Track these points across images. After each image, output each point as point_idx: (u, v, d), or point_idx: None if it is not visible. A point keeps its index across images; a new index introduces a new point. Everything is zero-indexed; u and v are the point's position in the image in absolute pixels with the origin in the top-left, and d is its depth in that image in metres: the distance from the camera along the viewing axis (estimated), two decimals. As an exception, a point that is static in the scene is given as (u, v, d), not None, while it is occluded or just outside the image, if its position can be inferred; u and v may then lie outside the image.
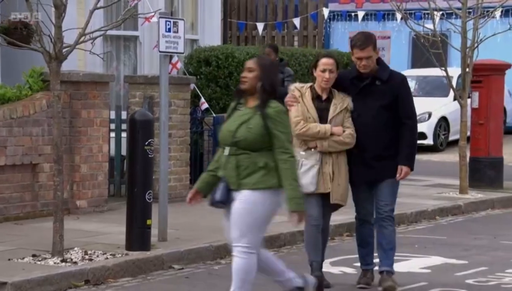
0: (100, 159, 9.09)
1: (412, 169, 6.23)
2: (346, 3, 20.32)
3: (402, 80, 6.25)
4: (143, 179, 7.16)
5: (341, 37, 20.23)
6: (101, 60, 9.04)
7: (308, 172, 6.12)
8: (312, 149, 6.15)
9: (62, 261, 6.64)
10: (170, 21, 7.71)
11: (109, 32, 8.54)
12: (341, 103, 6.18)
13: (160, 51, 7.67)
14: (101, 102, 9.09)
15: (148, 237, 7.16)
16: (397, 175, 6.20)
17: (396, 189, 6.33)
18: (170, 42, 7.67)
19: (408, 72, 18.48)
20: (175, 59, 10.47)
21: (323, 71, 6.13)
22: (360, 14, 19.66)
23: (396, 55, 19.81)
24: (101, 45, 10.24)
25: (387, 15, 19.64)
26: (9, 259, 6.67)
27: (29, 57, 8.83)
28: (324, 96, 6.21)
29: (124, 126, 9.59)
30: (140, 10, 9.78)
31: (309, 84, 6.26)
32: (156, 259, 7.01)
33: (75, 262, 6.63)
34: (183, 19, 8.05)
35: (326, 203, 6.22)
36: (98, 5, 7.01)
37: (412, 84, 17.72)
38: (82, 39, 6.88)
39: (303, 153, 6.15)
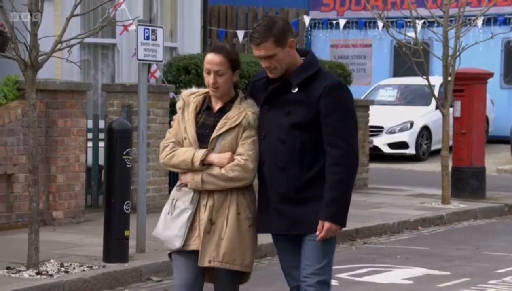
0: (77, 169, 8.95)
1: (341, 225, 4.10)
2: (327, 11, 20.31)
3: (329, 88, 4.09)
4: (121, 190, 7.04)
5: (322, 45, 20.20)
6: (78, 68, 8.91)
7: (177, 218, 4.19)
8: (187, 186, 4.21)
9: (37, 273, 6.51)
10: (148, 29, 7.60)
11: (87, 40, 8.41)
12: (236, 117, 4.17)
13: (138, 59, 7.56)
14: (78, 111, 8.95)
15: (126, 248, 7.04)
16: (317, 233, 4.10)
17: (329, 248, 4.18)
18: (148, 50, 7.57)
19: (390, 81, 18.50)
20: (153, 67, 10.35)
21: (208, 72, 4.20)
22: (342, 22, 19.65)
23: (378, 64, 19.81)
24: (78, 53, 10.12)
25: (368, 23, 19.65)
26: (-18, 272, 6.53)
27: (3, 66, 8.68)
28: (217, 108, 4.24)
29: (101, 136, 9.45)
30: (119, 18, 9.65)
31: (205, 90, 4.32)
32: (134, 271, 6.89)
33: (51, 275, 6.51)
34: (162, 27, 7.94)
35: (211, 268, 4.20)
36: (75, 12, 6.88)
37: (394, 93, 17.73)
38: (58, 47, 6.76)
39: (178, 189, 4.25)
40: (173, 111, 10.59)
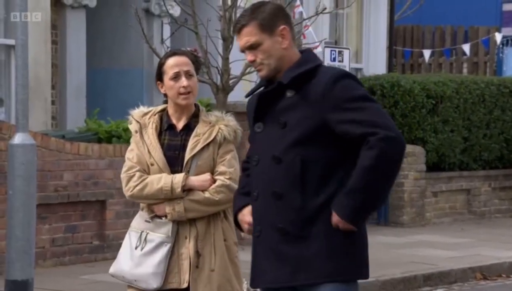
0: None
1: (350, 222, 2.99)
2: (520, 27, 19.51)
3: (333, 79, 3.06)
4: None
5: (514, 63, 19.39)
6: (266, 90, 9.07)
7: (152, 254, 3.62)
8: (163, 218, 3.64)
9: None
10: (335, 50, 7.65)
11: (274, 63, 8.56)
12: (208, 132, 3.61)
13: (324, 81, 7.61)
14: (266, 132, 9.10)
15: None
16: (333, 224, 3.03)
17: None
18: (335, 72, 7.60)
19: None
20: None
21: (176, 76, 3.59)
22: (535, 38, 18.76)
23: None
24: (266, 76, 10.33)
25: None
26: None
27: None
28: (181, 125, 3.65)
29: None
30: (305, 40, 9.78)
31: (159, 108, 3.72)
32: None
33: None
34: (348, 48, 7.96)
35: None
36: (263, 36, 7.03)
37: None
38: (248, 70, 6.93)
39: (148, 221, 3.67)
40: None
